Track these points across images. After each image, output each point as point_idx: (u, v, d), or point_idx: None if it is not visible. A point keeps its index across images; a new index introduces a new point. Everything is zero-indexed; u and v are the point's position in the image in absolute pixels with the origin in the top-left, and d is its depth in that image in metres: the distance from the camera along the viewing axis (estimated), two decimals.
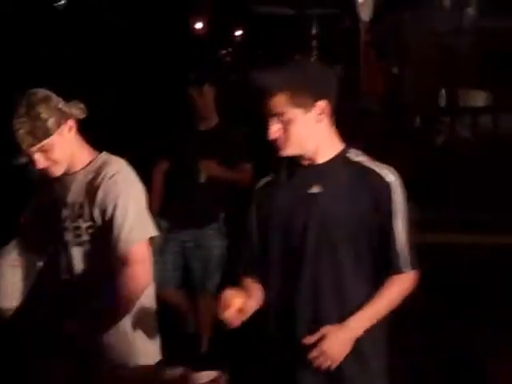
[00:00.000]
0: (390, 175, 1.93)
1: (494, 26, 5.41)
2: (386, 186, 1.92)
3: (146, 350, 2.17)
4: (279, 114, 1.88)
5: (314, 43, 9.45)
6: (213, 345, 4.01)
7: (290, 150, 1.92)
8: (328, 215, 1.93)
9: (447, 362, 3.58)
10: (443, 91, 4.97)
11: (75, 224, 2.11)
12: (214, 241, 3.86)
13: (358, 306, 1.92)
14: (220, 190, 3.87)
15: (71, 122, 2.09)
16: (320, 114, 1.91)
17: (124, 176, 2.11)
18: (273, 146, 1.93)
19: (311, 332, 1.88)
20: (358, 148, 2.01)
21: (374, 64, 5.79)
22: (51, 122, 2.03)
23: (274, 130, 1.89)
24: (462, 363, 3.56)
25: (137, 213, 2.09)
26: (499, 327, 3.69)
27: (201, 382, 1.83)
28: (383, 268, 1.94)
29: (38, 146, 2.01)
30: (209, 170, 3.75)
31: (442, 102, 5.00)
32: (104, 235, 2.07)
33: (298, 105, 1.88)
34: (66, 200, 2.13)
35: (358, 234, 1.93)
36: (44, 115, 2.02)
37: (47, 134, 2.02)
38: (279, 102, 1.87)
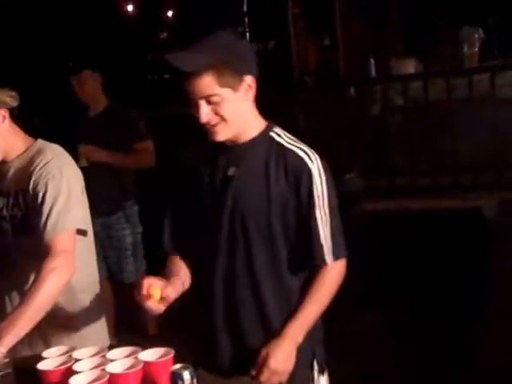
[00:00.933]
0: (311, 159, 1.87)
1: None
2: (305, 169, 1.85)
3: (93, 336, 2.17)
4: (208, 96, 1.80)
5: (246, 20, 9.43)
6: (161, 327, 4.05)
7: (225, 133, 1.87)
8: (240, 199, 1.87)
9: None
10: (372, 61, 5.04)
11: (12, 213, 2.08)
12: (123, 229, 3.85)
13: (271, 295, 1.91)
14: (123, 176, 3.84)
15: (3, 112, 2.05)
16: (248, 91, 1.86)
17: (58, 163, 2.10)
18: (205, 131, 1.87)
19: (226, 318, 1.92)
20: (289, 124, 2.01)
21: (305, 37, 5.82)
22: None
23: (205, 112, 1.82)
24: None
25: (66, 201, 2.06)
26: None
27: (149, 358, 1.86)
28: (304, 259, 1.90)
29: None
30: (88, 154, 3.72)
31: (372, 71, 5.07)
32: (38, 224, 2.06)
33: (225, 84, 1.80)
34: (1, 189, 2.09)
35: (271, 221, 1.87)
36: None
37: None
38: (206, 83, 1.79)
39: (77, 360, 1.97)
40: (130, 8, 13.96)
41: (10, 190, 2.14)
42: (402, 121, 4.82)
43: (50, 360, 1.99)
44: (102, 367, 1.89)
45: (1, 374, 2.00)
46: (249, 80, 1.86)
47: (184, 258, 2.03)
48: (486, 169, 4.33)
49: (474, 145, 4.35)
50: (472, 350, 3.36)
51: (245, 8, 10.23)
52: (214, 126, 1.86)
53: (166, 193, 2.04)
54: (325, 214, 1.87)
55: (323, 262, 1.90)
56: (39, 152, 2.15)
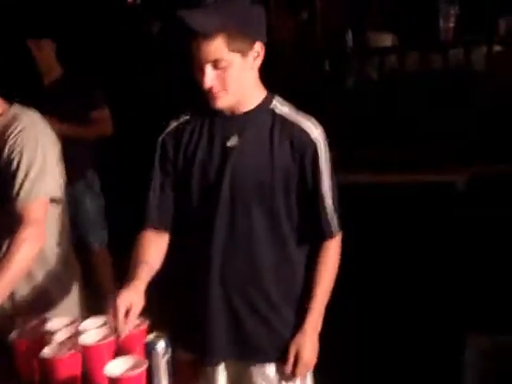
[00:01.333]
0: (316, 130, 1.82)
1: None
2: (311, 143, 1.81)
3: (65, 306, 2.16)
4: (215, 61, 1.72)
5: None
6: None
7: (226, 101, 1.80)
8: (241, 171, 1.82)
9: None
10: (349, 33, 5.03)
11: None
12: (87, 198, 3.85)
13: (269, 270, 1.88)
14: (83, 146, 3.80)
15: None
16: (256, 58, 1.78)
17: (33, 131, 2.08)
18: (207, 97, 1.79)
19: (223, 285, 1.87)
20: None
21: (283, 10, 5.78)
22: None
23: (211, 77, 1.74)
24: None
25: (41, 169, 2.05)
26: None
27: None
28: (310, 232, 1.87)
29: None
30: None
31: (348, 44, 5.07)
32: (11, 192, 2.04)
33: (235, 49, 1.72)
34: None
35: (274, 193, 1.83)
36: None
37: None
38: (215, 46, 1.71)
39: (49, 331, 1.96)
40: None
41: None
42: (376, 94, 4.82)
43: (24, 330, 1.98)
44: (74, 338, 1.89)
45: None
46: (258, 47, 1.78)
47: (169, 232, 1.96)
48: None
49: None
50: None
51: None
52: (216, 92, 1.78)
53: (149, 166, 1.94)
54: (329, 186, 1.85)
55: (332, 234, 1.89)
56: (14, 118, 2.12)
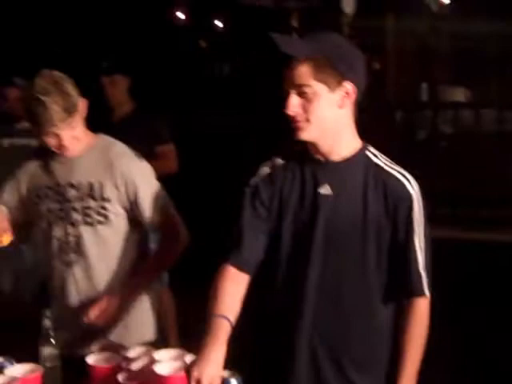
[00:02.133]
0: (411, 183, 1.77)
1: (469, 27, 5.52)
2: (406, 196, 1.76)
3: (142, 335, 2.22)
4: (301, 86, 1.69)
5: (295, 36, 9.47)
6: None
7: (309, 133, 1.75)
8: (334, 220, 1.78)
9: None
10: (424, 86, 5.04)
11: (85, 204, 2.13)
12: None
13: (356, 327, 1.82)
14: None
15: (84, 100, 2.12)
16: (345, 98, 1.73)
17: (133, 155, 2.17)
18: (290, 126, 1.75)
19: (310, 338, 1.82)
20: None
21: None
22: (77, 98, 2.07)
23: (294, 103, 1.72)
24: None
25: (158, 186, 2.22)
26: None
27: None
28: (399, 289, 1.81)
29: (68, 121, 2.05)
30: None
31: (424, 97, 5.07)
32: (120, 214, 2.11)
33: (322, 80, 1.69)
34: (71, 181, 2.14)
35: (366, 245, 1.78)
36: (72, 91, 2.07)
37: (76, 109, 2.08)
38: (303, 72, 1.68)
39: (125, 358, 2.01)
40: (179, 15, 14.19)
41: (81, 182, 2.19)
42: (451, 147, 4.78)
43: (100, 356, 2.03)
44: (149, 367, 1.92)
45: (49, 366, 2.05)
46: (349, 87, 1.73)
47: (251, 275, 1.89)
48: None
49: None
50: None
51: (294, 24, 10.32)
52: (299, 122, 1.74)
53: (238, 207, 1.90)
54: (422, 242, 1.80)
55: (421, 293, 1.81)
56: (110, 144, 2.21)
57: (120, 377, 1.88)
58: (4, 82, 4.07)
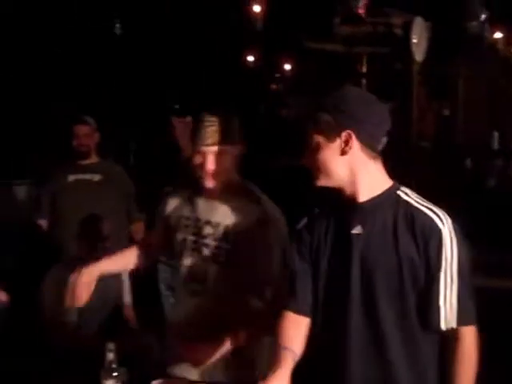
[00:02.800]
0: (442, 220, 1.79)
1: None
2: (436, 234, 1.78)
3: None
4: (309, 141, 1.84)
5: (364, 82, 9.52)
6: None
7: (321, 180, 1.87)
8: (368, 258, 1.82)
9: None
10: (495, 134, 4.96)
11: (219, 244, 2.25)
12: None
13: (400, 369, 1.83)
14: None
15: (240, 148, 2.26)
16: (345, 146, 1.82)
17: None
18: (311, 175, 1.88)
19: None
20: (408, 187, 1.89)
21: (426, 104, 5.82)
22: (235, 135, 2.24)
23: (304, 156, 1.87)
24: None
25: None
26: None
27: None
28: (426, 325, 1.82)
29: (221, 147, 2.18)
30: None
31: (494, 144, 4.99)
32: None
33: (320, 132, 1.82)
34: (209, 219, 2.27)
35: (402, 281, 1.80)
36: (234, 127, 2.26)
37: (230, 141, 2.21)
38: (309, 127, 1.84)
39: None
40: (250, 58, 14.50)
41: (219, 223, 2.26)
42: None
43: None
44: None
45: None
46: (347, 135, 1.81)
47: (309, 317, 1.95)
48: None
49: None
50: None
51: (364, 69, 10.39)
52: (313, 171, 1.87)
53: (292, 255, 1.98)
54: (451, 277, 1.79)
55: (438, 327, 1.80)
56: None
57: None
58: (74, 121, 4.23)
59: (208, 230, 2.27)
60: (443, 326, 1.79)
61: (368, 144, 1.83)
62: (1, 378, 2.80)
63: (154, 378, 2.16)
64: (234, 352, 2.22)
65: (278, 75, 14.53)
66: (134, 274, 3.98)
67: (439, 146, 5.50)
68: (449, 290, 1.79)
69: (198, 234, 2.29)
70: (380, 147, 1.86)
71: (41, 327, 3.27)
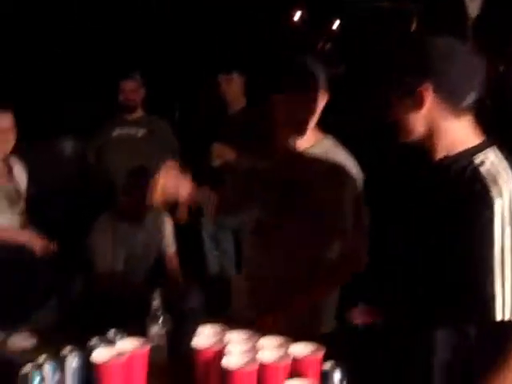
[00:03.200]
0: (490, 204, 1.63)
1: None
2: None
3: None
4: (383, 97, 1.80)
5: None
6: None
7: (401, 136, 1.81)
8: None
9: None
10: None
11: (288, 195, 2.31)
12: None
13: None
14: None
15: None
16: (422, 101, 1.74)
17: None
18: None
19: None
20: None
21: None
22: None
23: (390, 108, 1.80)
24: None
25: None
26: None
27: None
28: None
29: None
30: (220, 154, 3.78)
31: None
32: None
33: (396, 87, 1.76)
34: (281, 171, 2.33)
35: None
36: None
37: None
38: (383, 83, 1.81)
39: (229, 342, 2.02)
40: (295, 15, 14.27)
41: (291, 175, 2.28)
42: None
43: (203, 338, 2.05)
44: (253, 353, 1.93)
45: (154, 346, 2.10)
46: (425, 88, 1.72)
47: None
48: None
49: None
50: None
51: (412, 26, 10.14)
52: (397, 125, 1.82)
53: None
54: None
55: None
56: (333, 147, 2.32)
57: (224, 361, 1.88)
58: (121, 76, 4.25)
59: (277, 182, 2.27)
60: None
61: (448, 99, 1.73)
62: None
63: (197, 326, 2.17)
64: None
65: (324, 35, 14.30)
66: (178, 225, 4.04)
67: (497, 103, 5.34)
68: None
69: (268, 186, 2.29)
70: (466, 103, 1.74)
71: (89, 276, 3.33)
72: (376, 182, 2.11)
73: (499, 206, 1.63)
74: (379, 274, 1.93)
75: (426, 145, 1.80)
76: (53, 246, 3.33)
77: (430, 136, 1.78)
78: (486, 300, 1.61)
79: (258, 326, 2.17)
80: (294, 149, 2.30)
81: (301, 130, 2.23)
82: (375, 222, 2.28)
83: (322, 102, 2.24)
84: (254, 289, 2.39)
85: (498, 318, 1.61)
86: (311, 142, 2.30)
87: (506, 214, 1.63)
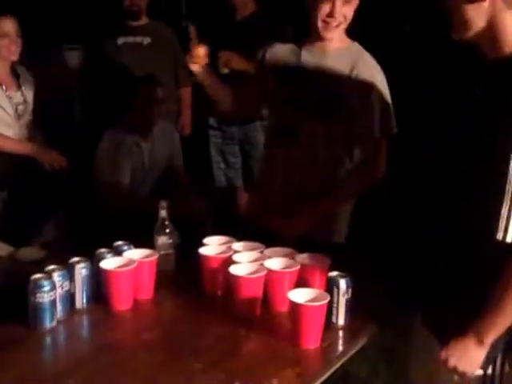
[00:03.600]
0: None
1: None
2: None
3: None
4: None
5: None
6: None
7: (457, 32, 1.64)
8: None
9: None
10: None
11: (316, 96, 2.32)
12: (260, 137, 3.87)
13: None
14: None
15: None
16: None
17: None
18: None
19: None
20: None
21: None
22: None
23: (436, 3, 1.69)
24: None
25: None
26: None
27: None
28: None
29: None
30: (227, 61, 3.67)
31: None
32: None
33: None
34: (313, 70, 2.34)
35: None
36: None
37: None
38: None
39: (236, 251, 2.05)
40: None
41: (322, 76, 2.29)
42: None
43: (210, 247, 2.08)
44: (259, 262, 1.95)
45: (163, 253, 2.13)
46: None
47: None
48: None
49: None
50: None
51: None
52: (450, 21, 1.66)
53: None
54: None
55: None
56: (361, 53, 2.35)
57: (232, 268, 1.91)
58: None
59: (307, 82, 2.28)
60: None
61: None
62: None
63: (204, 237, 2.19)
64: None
65: None
66: (185, 138, 4.02)
67: None
68: None
69: (300, 86, 2.29)
70: None
71: (97, 188, 3.34)
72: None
73: None
74: None
75: (482, 42, 1.64)
76: (61, 160, 3.33)
77: (491, 31, 1.60)
78: None
79: (279, 229, 2.21)
80: (326, 47, 2.32)
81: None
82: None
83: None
84: (269, 201, 2.40)
85: None
86: (343, 43, 2.32)
87: None
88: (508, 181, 1.52)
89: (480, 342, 1.61)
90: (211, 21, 4.02)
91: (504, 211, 1.53)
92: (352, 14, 2.26)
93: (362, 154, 2.33)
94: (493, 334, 1.60)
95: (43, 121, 3.61)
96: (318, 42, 2.30)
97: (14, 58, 3.33)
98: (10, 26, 3.26)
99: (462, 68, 1.79)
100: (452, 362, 1.64)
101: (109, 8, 4.40)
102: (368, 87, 2.27)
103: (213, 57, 3.53)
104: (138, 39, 4.08)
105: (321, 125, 2.27)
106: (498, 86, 1.57)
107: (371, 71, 2.29)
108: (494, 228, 1.54)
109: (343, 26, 2.27)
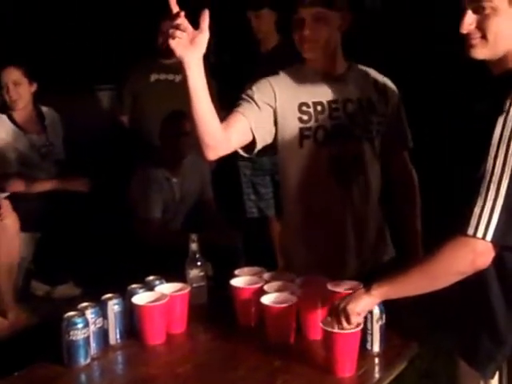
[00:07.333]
0: None
1: None
2: None
3: None
4: (480, 1, 1.56)
5: None
6: None
7: (482, 51, 1.60)
8: None
9: None
10: None
11: (367, 118, 2.20)
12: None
13: None
14: None
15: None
16: None
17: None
18: (464, 44, 1.63)
19: None
20: None
21: None
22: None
23: (468, 22, 1.59)
24: None
25: None
26: None
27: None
28: None
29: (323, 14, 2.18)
30: None
31: None
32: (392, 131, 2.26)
33: None
34: (349, 97, 2.20)
35: None
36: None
37: (335, 6, 2.21)
38: None
39: (266, 281, 2.04)
40: None
41: (361, 98, 2.22)
42: None
43: (242, 278, 2.08)
44: (289, 291, 1.95)
45: (195, 286, 2.14)
46: None
47: None
48: None
49: None
50: None
51: None
52: (472, 39, 1.59)
53: None
54: None
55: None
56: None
57: (263, 298, 1.91)
58: (161, 17, 4.12)
59: (349, 107, 2.17)
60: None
61: None
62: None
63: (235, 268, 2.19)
64: None
65: None
66: (215, 171, 4.05)
67: None
68: None
69: (336, 116, 2.16)
70: None
71: (129, 225, 3.38)
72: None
73: None
74: None
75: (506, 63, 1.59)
76: (86, 184, 3.41)
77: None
78: None
79: None
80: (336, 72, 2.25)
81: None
82: None
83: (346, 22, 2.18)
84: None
85: None
86: (344, 67, 2.26)
87: None
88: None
89: (368, 290, 1.69)
90: (239, 54, 4.09)
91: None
92: (330, 34, 2.17)
93: (394, 172, 2.30)
94: (385, 290, 1.66)
95: (75, 160, 3.68)
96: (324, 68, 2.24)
97: (16, 105, 3.44)
98: (16, 75, 3.40)
99: (468, 82, 1.77)
100: (341, 304, 1.71)
101: (141, 47, 4.49)
102: (389, 103, 2.25)
103: (237, 90, 3.57)
104: (170, 77, 4.14)
105: (368, 143, 2.20)
106: (503, 100, 1.53)
107: (385, 87, 2.26)
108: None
109: (322, 47, 2.20)
